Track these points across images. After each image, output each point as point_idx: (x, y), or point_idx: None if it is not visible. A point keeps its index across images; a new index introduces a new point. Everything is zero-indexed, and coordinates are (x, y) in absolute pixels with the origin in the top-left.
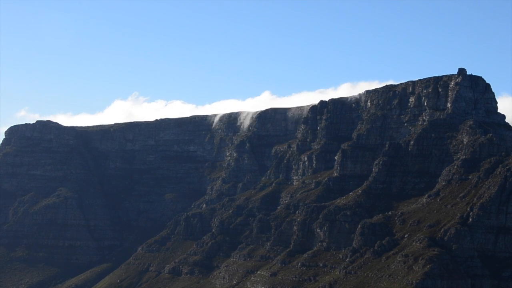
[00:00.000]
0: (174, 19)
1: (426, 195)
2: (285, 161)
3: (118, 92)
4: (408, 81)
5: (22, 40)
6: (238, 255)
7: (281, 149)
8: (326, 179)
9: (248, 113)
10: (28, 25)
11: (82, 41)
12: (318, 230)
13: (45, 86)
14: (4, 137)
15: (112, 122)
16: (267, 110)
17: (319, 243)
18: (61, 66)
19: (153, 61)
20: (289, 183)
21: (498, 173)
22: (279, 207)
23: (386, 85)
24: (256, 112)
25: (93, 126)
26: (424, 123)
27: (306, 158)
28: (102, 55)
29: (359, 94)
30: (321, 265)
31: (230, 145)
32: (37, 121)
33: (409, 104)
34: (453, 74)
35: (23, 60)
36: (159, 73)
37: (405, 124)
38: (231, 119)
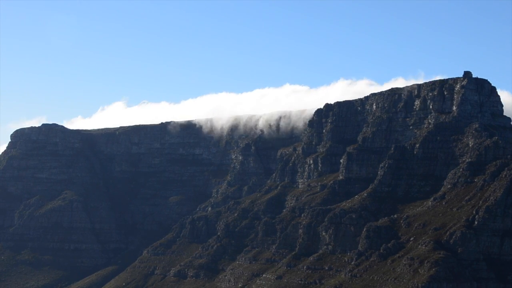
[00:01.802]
0: (180, 21)
1: (432, 198)
2: (291, 164)
3: (124, 95)
4: (413, 84)
5: (26, 42)
6: (243, 258)
7: (287, 152)
8: (332, 182)
9: (253, 116)
10: (33, 27)
11: (86, 44)
12: (324, 233)
13: (51, 89)
14: (9, 140)
15: (117, 125)
16: (272, 113)
17: (325, 246)
18: (66, 69)
19: (154, 63)
20: (295, 186)
21: (503, 176)
22: (284, 210)
23: (392, 88)
24: (262, 115)
25: (98, 129)
26: (430, 126)
27: (311, 161)
28: (107, 57)
29: (365, 97)
30: (326, 268)
31: (235, 148)
32: (43, 124)
33: (415, 107)
34: (458, 77)
35: (28, 63)
36: (156, 75)
37: (411, 127)
38: (237, 122)
